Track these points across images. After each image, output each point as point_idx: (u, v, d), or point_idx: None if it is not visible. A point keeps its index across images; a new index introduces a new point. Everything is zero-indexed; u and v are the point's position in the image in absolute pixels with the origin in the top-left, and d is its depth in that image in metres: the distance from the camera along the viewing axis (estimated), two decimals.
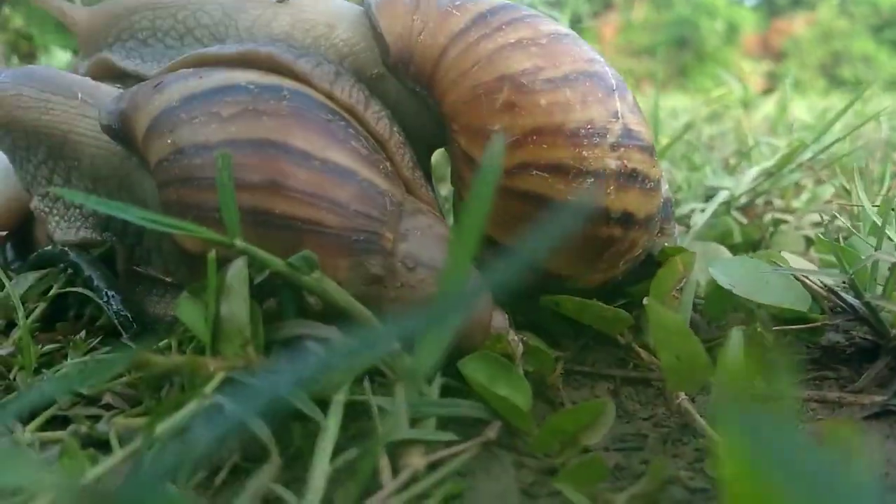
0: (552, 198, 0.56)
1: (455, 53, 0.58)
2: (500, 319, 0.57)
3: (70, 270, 0.63)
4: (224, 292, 0.45)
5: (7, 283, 0.53)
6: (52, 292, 0.61)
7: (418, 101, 0.62)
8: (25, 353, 0.52)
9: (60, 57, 2.20)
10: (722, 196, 0.98)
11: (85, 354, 0.56)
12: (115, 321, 0.58)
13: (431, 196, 0.60)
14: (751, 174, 1.07)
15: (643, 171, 0.58)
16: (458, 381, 0.51)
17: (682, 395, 0.53)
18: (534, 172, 0.56)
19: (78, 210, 0.63)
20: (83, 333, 0.58)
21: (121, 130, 0.57)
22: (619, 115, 0.57)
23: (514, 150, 0.56)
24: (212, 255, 0.43)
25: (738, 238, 0.98)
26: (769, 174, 1.08)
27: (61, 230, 0.62)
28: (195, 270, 0.51)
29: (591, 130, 0.56)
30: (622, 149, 0.56)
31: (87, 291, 0.59)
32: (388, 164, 0.57)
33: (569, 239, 0.57)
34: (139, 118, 0.55)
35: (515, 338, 0.57)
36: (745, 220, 1.03)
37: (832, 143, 1.05)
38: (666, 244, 0.65)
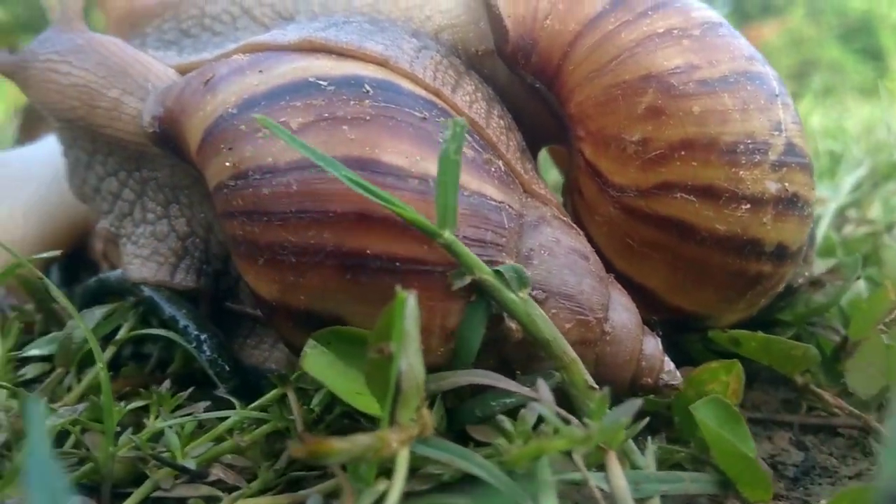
0: (697, 226, 0.47)
1: (589, 44, 0.48)
2: (651, 345, 0.47)
3: (138, 302, 0.51)
4: (390, 339, 0.34)
5: (82, 324, 0.41)
6: (121, 333, 0.50)
7: (534, 94, 0.52)
8: (107, 416, 0.41)
9: None
10: (831, 210, 0.89)
11: (172, 412, 0.45)
12: (211, 371, 0.47)
13: (546, 189, 0.49)
14: (847, 184, 0.97)
15: (804, 195, 0.48)
16: None
17: None
18: (678, 195, 0.46)
19: (150, 228, 0.51)
20: (167, 384, 0.47)
21: (167, 136, 0.46)
22: (783, 126, 0.47)
23: (656, 166, 0.46)
24: (404, 294, 0.31)
25: (839, 253, 0.90)
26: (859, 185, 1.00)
27: (135, 267, 0.50)
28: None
29: (750, 146, 0.46)
30: (784, 169, 0.47)
31: (171, 334, 0.48)
32: (500, 162, 0.46)
33: (711, 276, 0.48)
34: (190, 124, 0.44)
35: (672, 366, 0.47)
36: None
37: None
38: (806, 273, 0.56)
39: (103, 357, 0.42)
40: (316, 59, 0.44)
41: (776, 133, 0.47)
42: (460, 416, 0.41)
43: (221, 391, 0.47)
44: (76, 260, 0.60)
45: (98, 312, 0.49)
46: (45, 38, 0.54)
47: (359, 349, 0.38)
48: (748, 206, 0.46)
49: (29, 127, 0.71)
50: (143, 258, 0.50)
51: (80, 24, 0.56)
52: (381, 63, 0.45)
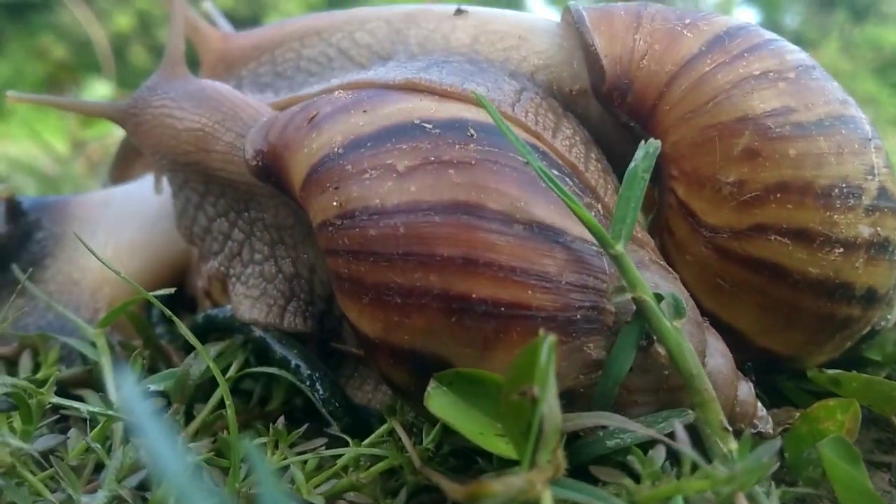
0: (790, 269, 0.47)
1: (685, 84, 0.49)
2: (745, 390, 0.47)
3: (247, 341, 0.53)
4: (529, 381, 0.34)
5: (210, 362, 0.42)
6: (232, 371, 0.51)
7: (625, 133, 0.53)
8: (234, 452, 0.41)
9: (98, 89, 2.11)
10: None
11: (290, 448, 0.46)
12: (324, 410, 0.48)
13: (642, 231, 0.49)
14: None
15: (895, 239, 0.48)
16: None
17: None
18: (773, 237, 0.47)
19: (259, 268, 0.52)
20: (281, 420, 0.47)
21: (270, 171, 0.47)
22: (876, 171, 0.48)
23: (751, 207, 0.47)
24: (547, 337, 0.32)
25: None
26: None
27: (245, 307, 0.52)
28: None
29: (845, 190, 0.46)
30: (877, 213, 0.47)
31: (283, 373, 0.49)
32: (599, 206, 0.46)
33: (802, 319, 0.48)
34: (294, 160, 0.45)
35: (764, 412, 0.47)
36: None
37: None
38: (889, 315, 0.56)
39: (230, 395, 0.42)
40: (420, 100, 0.45)
41: (869, 177, 0.47)
42: (579, 454, 0.42)
43: (334, 429, 0.48)
44: (173, 297, 0.62)
45: (213, 350, 0.51)
46: (153, 84, 0.56)
47: (479, 390, 0.39)
48: (841, 249, 0.46)
49: (123, 165, 0.73)
50: (252, 299, 0.52)
51: (183, 68, 0.58)
52: (480, 104, 0.45)
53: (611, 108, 0.52)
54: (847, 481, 0.39)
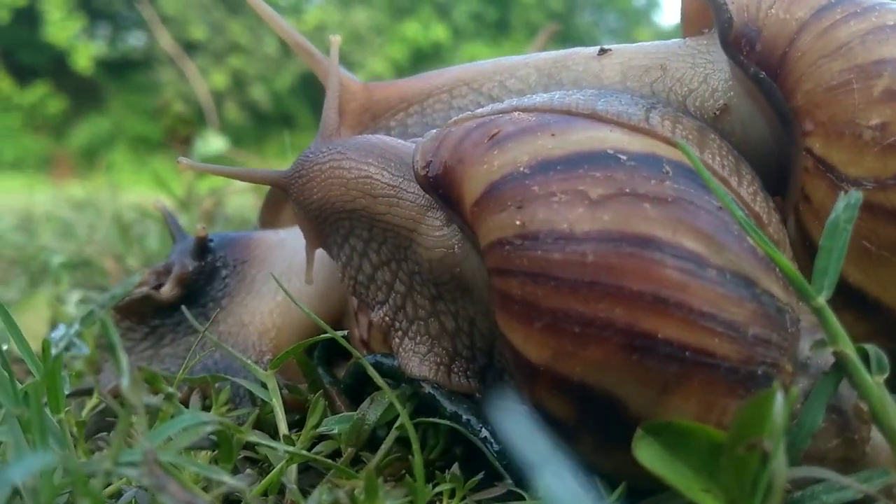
0: None
1: (817, 30, 0.47)
2: None
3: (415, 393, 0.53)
4: (758, 434, 0.33)
5: (398, 406, 0.42)
6: (401, 420, 0.51)
7: (764, 119, 0.51)
8: (420, 497, 0.41)
9: (213, 143, 2.20)
10: None
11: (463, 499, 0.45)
12: (498, 464, 0.47)
13: None
14: None
15: None
16: None
17: None
18: None
19: (423, 325, 0.53)
20: (456, 468, 0.47)
21: (439, 181, 0.47)
22: None
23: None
24: (778, 389, 0.31)
25: None
26: None
27: (414, 364, 0.52)
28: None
29: None
30: None
31: (458, 427, 0.49)
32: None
33: None
34: (469, 176, 0.45)
35: None
36: None
37: None
38: None
39: (418, 440, 0.42)
40: (610, 130, 0.44)
41: None
42: None
43: (509, 483, 0.47)
44: (330, 345, 0.63)
45: (386, 399, 0.51)
46: (315, 149, 0.57)
47: (688, 442, 0.38)
48: None
49: (273, 209, 0.75)
50: (420, 355, 0.52)
51: (338, 133, 0.60)
52: (672, 143, 0.45)
53: (740, 61, 0.50)
54: None
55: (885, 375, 0.39)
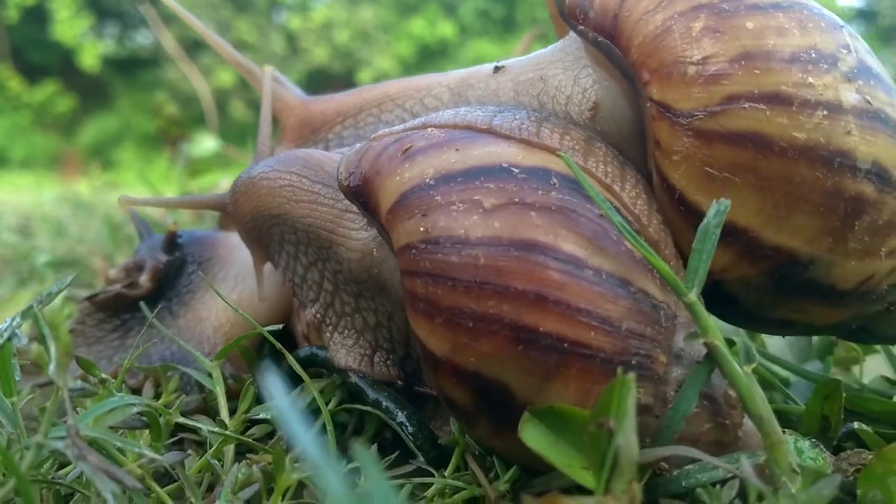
0: (773, 136, 0.46)
1: None
2: None
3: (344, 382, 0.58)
4: (608, 414, 0.38)
5: (317, 395, 0.47)
6: (330, 405, 0.56)
7: (627, 101, 0.54)
8: None
9: (206, 143, 2.24)
10: None
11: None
12: (412, 445, 0.52)
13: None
14: None
15: (894, 116, 0.48)
16: None
17: None
18: (746, 105, 0.46)
19: (349, 319, 0.58)
20: (374, 448, 0.52)
21: (360, 193, 0.51)
22: (852, 48, 0.48)
23: (720, 79, 0.47)
24: (627, 376, 0.36)
25: None
26: None
27: (342, 356, 0.57)
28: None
29: (814, 56, 0.47)
30: (860, 81, 0.47)
31: (376, 411, 0.54)
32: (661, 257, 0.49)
33: (804, 197, 0.47)
34: (384, 187, 0.49)
35: None
36: None
37: None
38: None
39: (331, 422, 0.47)
40: (508, 146, 0.48)
41: (844, 51, 0.48)
42: (655, 491, 0.44)
43: (420, 462, 0.52)
44: (281, 338, 0.68)
45: (317, 386, 0.56)
46: (249, 168, 0.63)
47: (568, 424, 0.42)
48: (825, 112, 0.46)
49: (229, 224, 0.81)
50: (347, 347, 0.57)
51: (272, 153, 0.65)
52: (550, 150, 0.49)
53: (579, 29, 0.54)
54: None
55: (754, 365, 0.43)
